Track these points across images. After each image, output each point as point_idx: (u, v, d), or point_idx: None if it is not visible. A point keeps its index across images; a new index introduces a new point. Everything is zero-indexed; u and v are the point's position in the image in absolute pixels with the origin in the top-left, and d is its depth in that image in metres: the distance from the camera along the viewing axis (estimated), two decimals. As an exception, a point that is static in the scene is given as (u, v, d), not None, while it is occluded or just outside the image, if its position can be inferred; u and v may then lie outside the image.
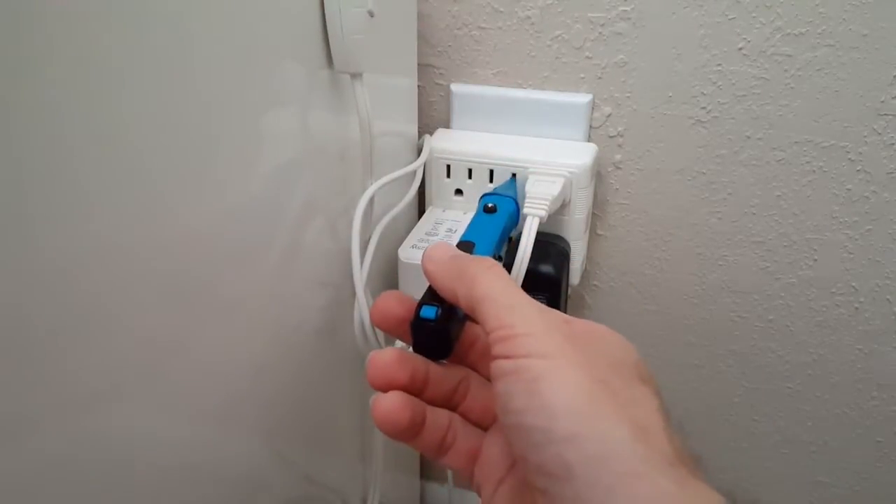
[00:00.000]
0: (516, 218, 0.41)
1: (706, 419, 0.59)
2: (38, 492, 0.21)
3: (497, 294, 0.23)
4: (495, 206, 0.39)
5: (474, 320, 0.25)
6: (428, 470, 0.71)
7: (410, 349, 0.27)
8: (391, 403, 0.24)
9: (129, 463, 0.25)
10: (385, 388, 0.25)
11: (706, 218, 0.50)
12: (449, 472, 0.65)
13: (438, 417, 0.26)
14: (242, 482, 0.34)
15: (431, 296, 0.26)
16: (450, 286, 0.25)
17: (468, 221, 0.39)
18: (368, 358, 0.26)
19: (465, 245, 0.32)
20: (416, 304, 0.26)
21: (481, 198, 0.41)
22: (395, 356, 0.25)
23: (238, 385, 0.31)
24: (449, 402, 0.27)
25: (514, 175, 0.47)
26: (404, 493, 0.65)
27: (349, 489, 0.48)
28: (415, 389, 0.26)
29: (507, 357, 0.22)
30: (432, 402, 0.26)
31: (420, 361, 0.26)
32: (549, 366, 0.21)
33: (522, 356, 0.21)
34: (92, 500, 0.23)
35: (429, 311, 0.26)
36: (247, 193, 0.30)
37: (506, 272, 0.25)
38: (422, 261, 0.26)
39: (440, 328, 0.26)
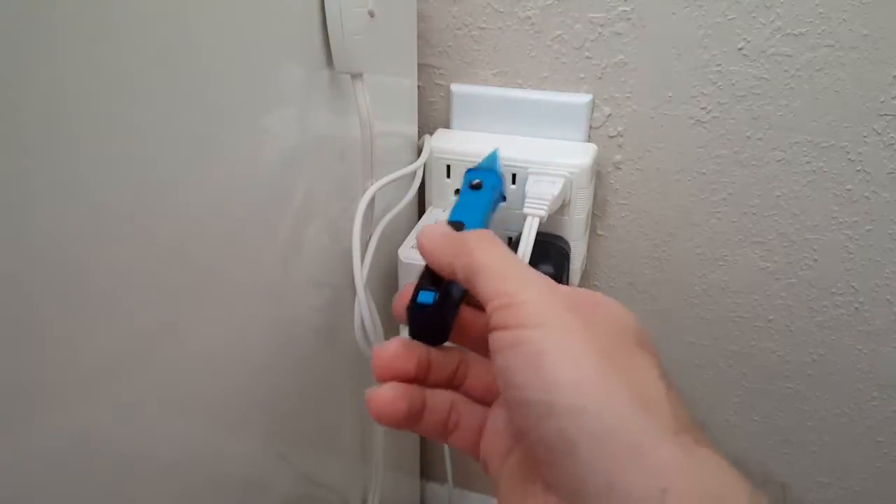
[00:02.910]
0: (501, 190, 0.41)
1: (706, 419, 0.59)
2: (39, 491, 0.21)
3: (495, 263, 0.23)
4: (481, 182, 0.38)
5: (472, 297, 0.25)
6: (428, 470, 0.71)
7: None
8: (386, 395, 0.24)
9: (128, 462, 0.25)
10: (391, 380, 0.25)
11: (706, 218, 0.50)
12: (449, 472, 0.65)
13: (439, 400, 0.26)
14: (243, 482, 0.34)
15: (427, 280, 0.26)
16: (446, 260, 0.25)
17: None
18: (374, 352, 0.25)
19: (455, 225, 0.32)
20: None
21: (465, 174, 0.41)
22: (398, 347, 0.25)
23: (238, 385, 0.31)
24: (451, 384, 0.27)
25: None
26: (404, 493, 0.65)
27: (349, 489, 0.48)
28: (419, 378, 0.26)
29: (505, 327, 0.21)
30: (434, 386, 0.26)
31: (422, 349, 0.26)
32: (548, 337, 0.20)
33: (521, 327, 0.21)
34: (93, 500, 0.23)
35: (426, 297, 0.25)
36: (247, 193, 0.30)
37: (502, 241, 0.24)
38: (417, 238, 0.26)
39: (438, 313, 0.26)
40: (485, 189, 0.38)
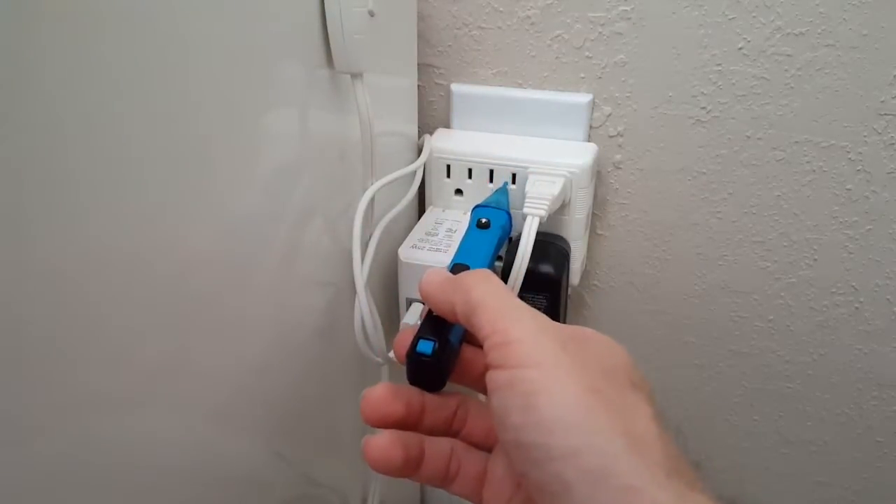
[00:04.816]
0: (509, 229, 0.41)
1: (706, 419, 0.59)
2: (40, 492, 0.21)
3: (491, 300, 0.23)
4: (489, 221, 0.39)
5: (471, 336, 0.25)
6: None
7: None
8: (382, 443, 0.24)
9: (130, 463, 0.25)
10: (380, 424, 0.25)
11: (706, 218, 0.50)
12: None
13: (439, 447, 0.26)
14: (243, 482, 0.34)
15: (428, 327, 0.26)
16: (446, 299, 0.25)
17: (468, 221, 0.39)
18: (362, 395, 0.25)
19: (460, 268, 0.32)
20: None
21: (473, 210, 0.41)
22: (387, 391, 0.25)
23: (239, 385, 0.31)
24: (449, 429, 0.27)
25: (510, 178, 0.46)
26: (404, 493, 0.65)
27: (349, 489, 0.48)
28: (411, 421, 0.26)
29: (500, 367, 0.21)
30: (431, 431, 0.26)
31: (414, 392, 0.26)
32: (543, 377, 0.20)
33: (516, 366, 0.21)
34: (94, 501, 0.23)
35: (425, 346, 0.26)
36: (247, 194, 0.30)
37: (500, 280, 0.25)
38: (419, 286, 0.26)
39: (436, 362, 0.26)
40: (492, 229, 0.38)
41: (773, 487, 0.61)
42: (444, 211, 0.50)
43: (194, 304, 0.27)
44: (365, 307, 0.36)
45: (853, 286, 0.50)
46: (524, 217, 0.42)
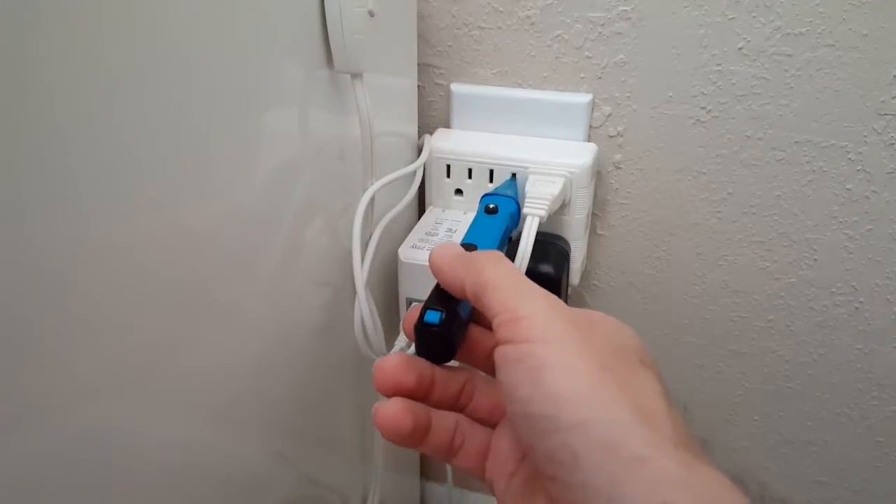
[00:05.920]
0: (517, 218, 0.41)
1: (706, 420, 0.59)
2: (40, 492, 0.21)
3: (502, 280, 0.23)
4: (496, 207, 0.39)
5: (479, 316, 0.25)
6: (428, 470, 0.71)
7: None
8: (393, 410, 0.24)
9: (130, 463, 0.25)
10: (392, 393, 0.25)
11: (706, 218, 0.50)
12: (449, 472, 0.65)
13: (444, 420, 0.26)
14: (243, 482, 0.34)
15: (436, 299, 0.26)
16: (457, 276, 0.25)
17: (468, 221, 0.39)
18: (374, 365, 0.26)
19: (468, 247, 0.32)
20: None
21: (482, 198, 0.41)
22: (400, 361, 0.26)
23: (239, 385, 0.31)
24: (456, 404, 0.27)
25: (513, 175, 0.47)
26: (404, 493, 0.65)
27: (349, 489, 0.48)
28: (421, 393, 0.26)
29: (509, 342, 0.21)
30: (439, 405, 0.26)
31: (425, 365, 0.26)
32: (552, 351, 0.21)
33: (526, 341, 0.21)
34: (94, 500, 0.23)
35: (433, 316, 0.26)
36: (247, 194, 0.30)
37: (510, 261, 0.25)
38: (429, 258, 0.26)
39: (444, 332, 0.26)
40: (500, 215, 0.38)
41: (773, 487, 0.61)
42: (444, 211, 0.50)
43: (193, 303, 0.27)
44: (365, 307, 0.36)
45: (853, 286, 0.50)
46: (524, 217, 0.42)
